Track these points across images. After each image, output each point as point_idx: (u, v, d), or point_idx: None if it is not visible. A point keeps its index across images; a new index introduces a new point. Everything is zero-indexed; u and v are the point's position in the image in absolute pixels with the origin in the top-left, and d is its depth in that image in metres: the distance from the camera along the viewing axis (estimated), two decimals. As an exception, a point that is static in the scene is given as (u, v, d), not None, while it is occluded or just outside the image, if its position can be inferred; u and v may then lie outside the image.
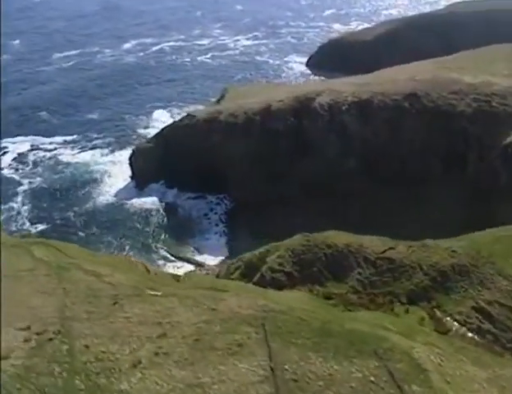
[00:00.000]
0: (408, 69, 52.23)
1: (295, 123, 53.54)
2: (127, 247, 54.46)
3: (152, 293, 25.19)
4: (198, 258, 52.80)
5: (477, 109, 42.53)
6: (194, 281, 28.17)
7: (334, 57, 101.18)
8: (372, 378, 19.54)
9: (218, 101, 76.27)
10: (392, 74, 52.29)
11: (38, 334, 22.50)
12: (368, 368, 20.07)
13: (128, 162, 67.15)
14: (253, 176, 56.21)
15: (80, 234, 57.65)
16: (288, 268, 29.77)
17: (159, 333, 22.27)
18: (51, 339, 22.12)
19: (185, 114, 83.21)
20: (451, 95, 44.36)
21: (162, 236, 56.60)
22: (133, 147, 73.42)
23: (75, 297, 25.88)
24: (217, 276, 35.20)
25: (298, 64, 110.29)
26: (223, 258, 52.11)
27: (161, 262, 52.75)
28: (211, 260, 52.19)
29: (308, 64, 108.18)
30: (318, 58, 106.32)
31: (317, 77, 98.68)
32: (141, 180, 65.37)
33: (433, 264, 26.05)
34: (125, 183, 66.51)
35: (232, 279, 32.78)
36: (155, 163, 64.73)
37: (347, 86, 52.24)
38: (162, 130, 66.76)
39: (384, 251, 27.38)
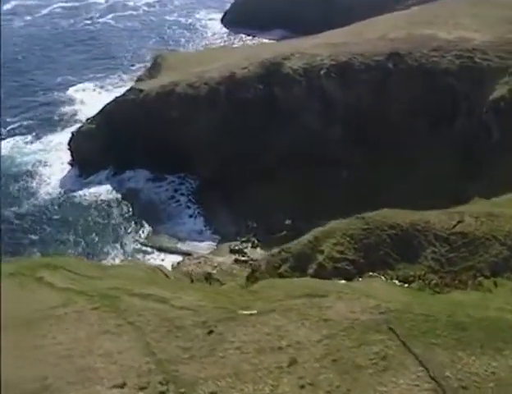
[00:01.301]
0: (374, 26, 51.37)
1: (266, 91, 50.65)
2: (97, 246, 48.63)
3: (247, 312, 22.08)
4: (181, 246, 48.93)
5: (461, 66, 43.27)
6: (270, 287, 25.32)
7: (251, 13, 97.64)
8: (537, 370, 19.02)
9: (150, 70, 69.79)
10: (358, 32, 51.16)
11: (142, 389, 18.67)
12: (523, 358, 19.51)
13: (67, 147, 59.44)
14: (221, 150, 52.69)
15: (33, 237, 50.29)
16: (351, 255, 28.15)
17: (288, 360, 19.56)
18: (163, 392, 18.44)
19: (112, 87, 75.81)
20: (433, 53, 44.54)
21: (131, 228, 51.39)
22: (64, 129, 65.41)
23: (153, 333, 21.84)
24: (254, 271, 32.40)
25: (212, 22, 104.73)
26: (210, 243, 48.82)
27: (139, 256, 48.06)
28: (196, 247, 48.62)
29: (223, 21, 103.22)
30: (234, 15, 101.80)
31: (240, 35, 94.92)
32: (87, 167, 58.34)
33: (507, 233, 26.14)
34: (66, 173, 58.89)
35: (280, 273, 30.43)
36: (101, 146, 58.01)
37: (317, 48, 50.14)
38: (104, 107, 59.63)
39: (454, 226, 26.90)
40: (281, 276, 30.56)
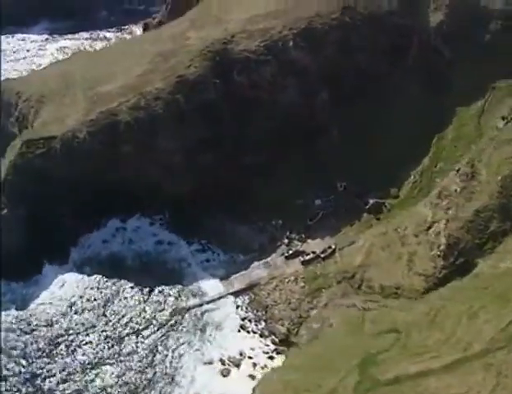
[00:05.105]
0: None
1: (225, 83, 44.96)
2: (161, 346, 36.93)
3: None
4: (238, 284, 41.76)
5: (399, 3, 47.76)
6: None
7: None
8: None
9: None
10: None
11: None
12: None
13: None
14: (202, 164, 45.13)
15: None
16: None
17: None
18: None
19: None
20: (370, -3, 47.49)
21: (162, 299, 40.45)
22: None
23: None
24: (451, 245, 32.15)
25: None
26: (255, 264, 42.86)
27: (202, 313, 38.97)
28: (247, 277, 42.16)
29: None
30: None
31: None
32: (16, 266, 40.87)
33: None
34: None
35: (493, 231, 31.82)
36: (25, 230, 41.70)
37: (256, 24, 46.17)
38: (4, 181, 41.66)
39: None
40: (494, 234, 31.96)
